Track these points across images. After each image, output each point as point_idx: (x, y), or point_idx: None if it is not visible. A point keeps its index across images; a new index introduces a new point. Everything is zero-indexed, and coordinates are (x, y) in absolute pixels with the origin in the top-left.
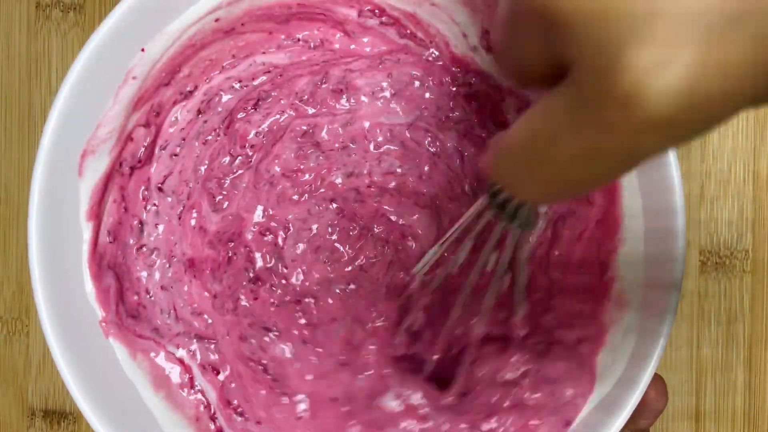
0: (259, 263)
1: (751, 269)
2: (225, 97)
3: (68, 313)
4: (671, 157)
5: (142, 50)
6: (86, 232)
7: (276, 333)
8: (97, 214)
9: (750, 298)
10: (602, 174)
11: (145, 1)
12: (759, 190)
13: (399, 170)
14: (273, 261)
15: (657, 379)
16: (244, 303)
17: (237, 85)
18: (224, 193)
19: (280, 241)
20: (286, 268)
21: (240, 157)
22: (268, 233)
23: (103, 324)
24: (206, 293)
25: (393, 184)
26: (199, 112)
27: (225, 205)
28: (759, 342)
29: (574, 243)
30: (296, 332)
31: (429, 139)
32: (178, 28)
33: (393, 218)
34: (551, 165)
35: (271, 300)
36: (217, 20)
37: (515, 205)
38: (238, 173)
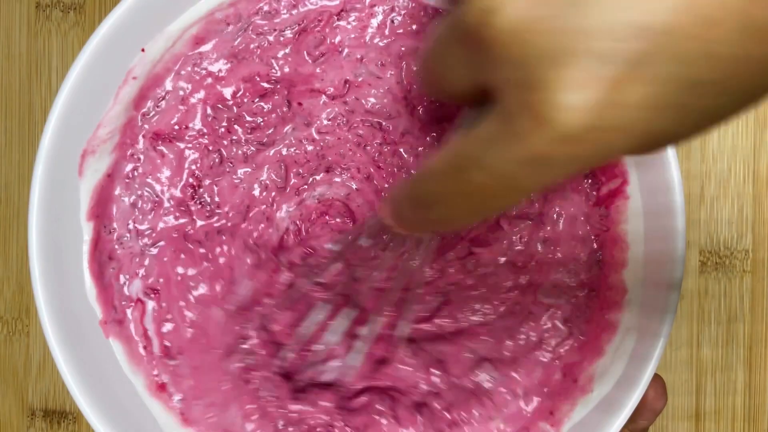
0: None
1: (751, 269)
2: None
3: (68, 313)
4: (671, 157)
5: (142, 50)
6: (86, 232)
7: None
8: (97, 214)
9: (750, 298)
10: (510, 198)
11: (145, 1)
12: (759, 190)
13: None
14: None
15: (656, 379)
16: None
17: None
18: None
19: None
20: None
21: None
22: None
23: (104, 324)
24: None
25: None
26: None
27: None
28: (759, 342)
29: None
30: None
31: None
32: (178, 28)
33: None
34: (469, 191)
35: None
36: None
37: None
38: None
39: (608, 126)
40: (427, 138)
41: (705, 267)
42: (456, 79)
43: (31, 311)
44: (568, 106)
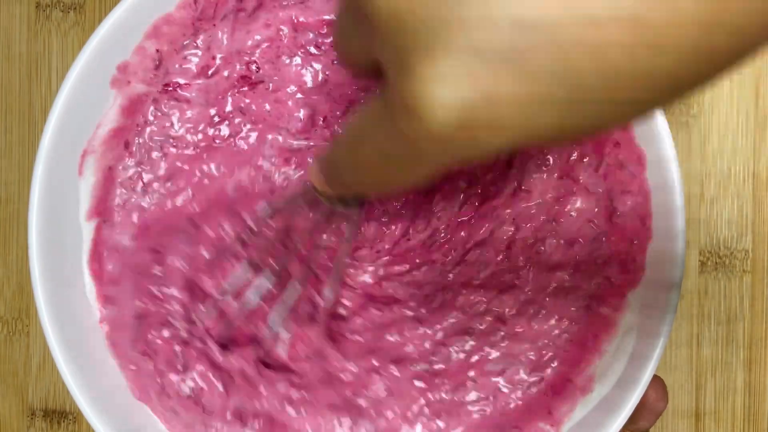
0: None
1: (751, 269)
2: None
3: (68, 313)
4: (671, 157)
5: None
6: (86, 232)
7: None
8: (97, 212)
9: (750, 297)
10: (405, 177)
11: (145, 1)
12: (759, 190)
13: None
14: None
15: (657, 381)
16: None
17: None
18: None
19: None
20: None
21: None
22: None
23: (104, 324)
24: None
25: None
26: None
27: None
28: (759, 342)
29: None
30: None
31: None
32: None
33: None
34: (362, 164)
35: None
36: None
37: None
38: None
39: (481, 124)
40: None
41: (705, 267)
42: (355, 52)
43: (31, 311)
44: (438, 102)
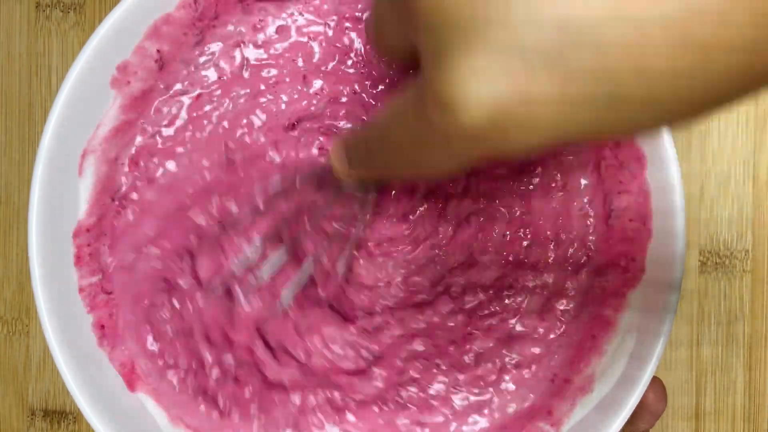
0: None
1: (751, 269)
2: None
3: (68, 313)
4: (671, 157)
5: None
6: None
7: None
8: (97, 212)
9: (750, 298)
10: (433, 166)
11: (145, 1)
12: (759, 190)
13: None
14: None
15: (656, 382)
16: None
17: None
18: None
19: None
20: None
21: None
22: None
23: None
24: None
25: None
26: None
27: None
28: (759, 342)
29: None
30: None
31: None
32: None
33: None
34: (391, 148)
35: None
36: None
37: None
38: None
39: (514, 122)
40: None
41: (705, 267)
42: (393, 40)
43: (31, 311)
44: (472, 98)
